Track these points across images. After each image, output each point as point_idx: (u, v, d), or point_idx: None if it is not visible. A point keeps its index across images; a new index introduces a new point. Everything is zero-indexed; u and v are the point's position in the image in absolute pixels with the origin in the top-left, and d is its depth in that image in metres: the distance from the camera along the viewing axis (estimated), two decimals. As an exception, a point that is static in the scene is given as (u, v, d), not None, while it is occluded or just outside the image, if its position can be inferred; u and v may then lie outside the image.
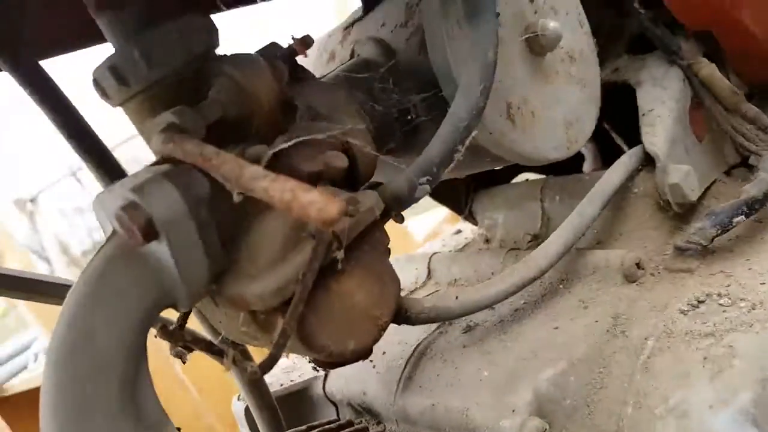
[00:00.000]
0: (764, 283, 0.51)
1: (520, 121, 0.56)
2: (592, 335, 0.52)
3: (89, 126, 0.63)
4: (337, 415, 0.69)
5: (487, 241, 0.82)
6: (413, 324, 0.54)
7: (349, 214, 0.37)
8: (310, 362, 0.54)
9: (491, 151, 0.57)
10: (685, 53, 0.70)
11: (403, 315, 0.53)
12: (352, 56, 0.65)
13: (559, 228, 0.59)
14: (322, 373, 0.70)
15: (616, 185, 0.63)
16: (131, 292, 0.42)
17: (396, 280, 0.50)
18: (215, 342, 0.55)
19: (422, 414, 0.55)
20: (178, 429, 0.44)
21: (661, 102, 0.66)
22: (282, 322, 0.43)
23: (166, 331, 0.50)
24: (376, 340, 0.48)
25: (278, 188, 0.37)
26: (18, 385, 2.05)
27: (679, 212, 0.64)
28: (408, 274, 0.81)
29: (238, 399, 0.70)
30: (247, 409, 0.68)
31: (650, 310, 0.54)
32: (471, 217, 0.87)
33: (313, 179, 0.49)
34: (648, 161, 0.66)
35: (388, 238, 0.50)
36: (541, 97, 0.58)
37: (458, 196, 0.88)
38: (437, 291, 0.75)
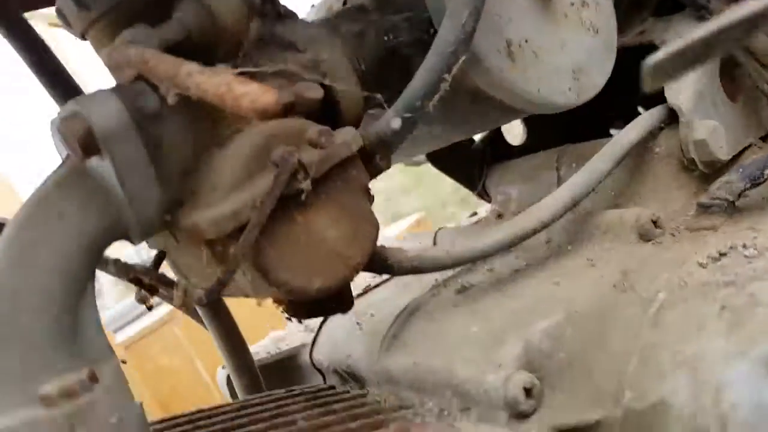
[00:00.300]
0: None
1: (521, 61, 0.51)
2: (595, 289, 0.47)
3: (74, 81, 0.61)
4: (324, 383, 0.64)
5: (500, 216, 0.77)
6: (395, 274, 0.50)
7: (289, 108, 0.33)
8: (282, 311, 0.49)
9: (490, 95, 0.52)
10: (715, 7, 0.64)
11: (383, 262, 0.48)
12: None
13: (565, 182, 0.53)
14: (309, 340, 0.65)
15: (632, 141, 0.57)
16: (74, 215, 0.39)
17: (374, 223, 0.46)
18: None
19: (405, 373, 0.50)
20: (123, 362, 0.40)
21: (687, 55, 0.60)
22: (236, 252, 0.39)
23: (124, 270, 0.47)
24: (346, 280, 0.44)
25: (213, 82, 0.33)
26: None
27: (706, 172, 0.57)
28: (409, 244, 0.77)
29: (223, 368, 0.66)
30: (229, 377, 0.64)
31: (665, 266, 0.47)
32: (485, 193, 0.82)
33: (284, 110, 0.45)
34: (672, 120, 0.60)
35: (367, 178, 0.46)
36: (546, 38, 0.53)
37: (471, 171, 0.83)
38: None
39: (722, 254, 0.45)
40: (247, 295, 0.47)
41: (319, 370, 0.65)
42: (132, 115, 0.39)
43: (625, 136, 0.57)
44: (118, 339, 1.87)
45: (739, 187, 0.51)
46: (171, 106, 0.41)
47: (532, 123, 0.86)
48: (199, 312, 0.59)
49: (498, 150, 0.83)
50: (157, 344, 1.86)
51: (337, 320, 0.65)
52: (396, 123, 0.45)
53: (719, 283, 0.42)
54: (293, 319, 0.66)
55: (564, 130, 0.80)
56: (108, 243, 0.41)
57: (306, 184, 0.41)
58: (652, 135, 0.61)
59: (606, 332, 0.44)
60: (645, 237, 0.52)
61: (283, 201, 0.41)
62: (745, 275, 0.42)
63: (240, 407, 0.54)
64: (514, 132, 0.90)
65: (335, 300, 0.51)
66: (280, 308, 0.50)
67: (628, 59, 0.58)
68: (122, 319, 2.11)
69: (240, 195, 0.40)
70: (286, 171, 0.40)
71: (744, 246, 0.45)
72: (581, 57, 0.55)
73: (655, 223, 0.52)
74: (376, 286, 0.70)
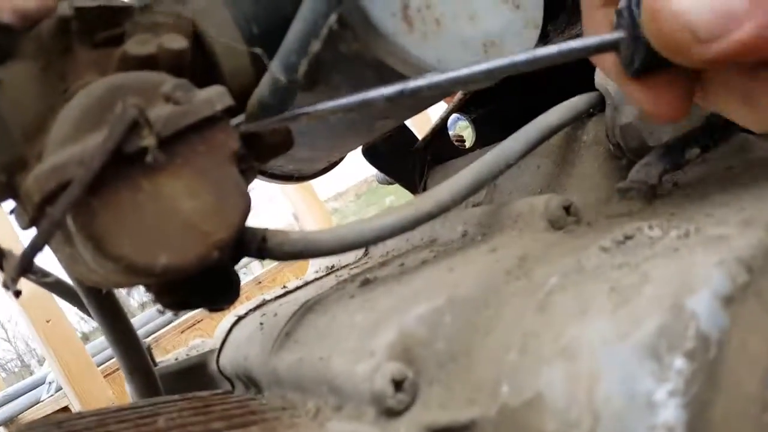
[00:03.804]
0: (711, 215, 0.40)
1: (421, 26, 0.47)
2: (486, 274, 0.42)
3: None
4: (232, 390, 0.59)
5: (435, 215, 0.72)
6: (275, 258, 0.45)
7: (149, 60, 0.28)
8: (152, 301, 0.45)
9: (393, 67, 0.48)
10: None
11: (259, 244, 0.44)
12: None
13: (472, 163, 0.49)
14: (217, 345, 0.60)
15: (551, 124, 0.52)
16: None
17: (243, 196, 0.41)
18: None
19: (289, 370, 0.45)
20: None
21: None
22: (54, 211, 0.35)
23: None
24: (203, 259, 0.39)
25: None
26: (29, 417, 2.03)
27: (635, 160, 0.53)
28: (347, 255, 0.72)
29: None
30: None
31: (568, 252, 0.43)
32: (425, 194, 0.77)
33: (145, 65, 0.41)
34: (603, 107, 0.56)
35: (237, 144, 0.42)
36: (453, 6, 0.49)
37: (412, 173, 0.78)
38: (366, 263, 0.65)
39: (628, 237, 0.41)
40: (101, 283, 0.43)
41: (227, 377, 0.60)
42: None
43: (544, 119, 0.52)
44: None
45: (658, 170, 0.46)
46: (11, 57, 0.37)
47: (480, 123, 0.82)
48: (84, 301, 0.54)
49: (440, 150, 0.79)
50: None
51: (245, 322, 0.60)
52: (268, 82, 0.41)
53: (614, 264, 0.37)
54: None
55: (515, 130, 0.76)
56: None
57: (150, 140, 0.37)
58: (581, 123, 0.57)
59: (491, 320, 0.39)
60: (556, 224, 0.47)
61: (126, 162, 0.37)
62: (642, 255, 0.37)
63: (118, 409, 0.49)
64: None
65: (215, 289, 0.46)
66: (150, 296, 0.45)
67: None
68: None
69: (68, 149, 0.36)
70: (123, 123, 0.36)
71: (650, 227, 0.40)
72: (494, 30, 0.51)
73: (567, 209, 0.47)
74: (297, 288, 0.66)
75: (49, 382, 2.88)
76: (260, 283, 3.32)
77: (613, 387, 0.30)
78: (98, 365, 2.47)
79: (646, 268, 0.35)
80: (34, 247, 0.35)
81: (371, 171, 0.86)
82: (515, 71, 0.36)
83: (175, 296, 0.44)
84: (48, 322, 2.16)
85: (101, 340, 2.97)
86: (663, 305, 0.32)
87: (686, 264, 0.34)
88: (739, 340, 0.30)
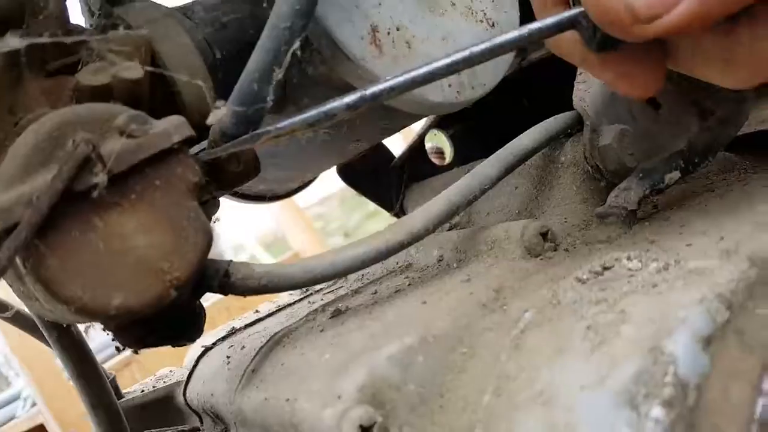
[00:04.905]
0: (691, 245, 0.39)
1: (390, 50, 0.45)
2: (460, 309, 0.40)
3: None
4: (201, 425, 0.57)
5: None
6: (240, 294, 0.43)
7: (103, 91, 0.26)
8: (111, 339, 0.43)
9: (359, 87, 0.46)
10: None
11: (222, 279, 0.42)
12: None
13: (445, 190, 0.47)
14: (184, 378, 0.58)
15: (526, 146, 0.51)
16: None
17: (204, 231, 0.39)
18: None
19: (255, 411, 0.43)
20: None
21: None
22: (1, 255, 0.32)
23: None
24: (160, 299, 0.37)
25: None
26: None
27: (616, 182, 0.51)
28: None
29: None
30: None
31: (544, 282, 0.41)
32: (402, 213, 0.76)
33: (99, 95, 0.39)
34: (581, 127, 0.54)
35: (197, 177, 0.40)
36: (424, 27, 0.47)
37: (389, 192, 0.77)
38: (341, 287, 0.63)
39: (606, 268, 0.39)
40: (58, 319, 0.40)
41: (195, 411, 0.58)
42: None
43: (519, 141, 0.51)
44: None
45: (638, 194, 0.45)
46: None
47: (459, 139, 0.81)
48: (45, 334, 0.52)
49: (417, 169, 0.77)
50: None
51: (212, 354, 0.58)
52: (229, 112, 0.39)
53: (592, 300, 0.36)
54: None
55: (494, 148, 0.75)
56: None
57: (100, 177, 0.35)
58: (558, 143, 0.56)
59: (465, 358, 0.37)
60: (533, 252, 0.45)
61: (78, 200, 0.35)
62: (620, 290, 0.35)
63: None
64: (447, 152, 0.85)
65: (177, 326, 0.44)
66: (109, 334, 0.43)
67: (559, 70, 0.52)
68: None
69: (16, 189, 0.34)
70: (73, 160, 0.34)
71: (629, 258, 0.38)
72: (466, 53, 0.49)
73: (544, 236, 0.46)
74: (268, 315, 0.64)
75: (24, 398, 2.82)
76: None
77: (591, 438, 0.29)
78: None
79: (624, 305, 0.34)
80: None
81: None
82: (476, 62, 0.34)
83: (134, 334, 0.42)
84: (21, 335, 2.11)
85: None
86: (641, 348, 0.30)
87: (665, 302, 0.33)
88: (720, 386, 0.29)
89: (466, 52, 0.34)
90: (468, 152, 0.79)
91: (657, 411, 0.28)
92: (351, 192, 0.82)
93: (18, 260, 0.34)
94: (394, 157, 0.77)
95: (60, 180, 0.34)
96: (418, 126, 0.81)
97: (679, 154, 0.46)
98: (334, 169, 0.75)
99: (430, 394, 0.36)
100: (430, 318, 0.40)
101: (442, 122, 0.78)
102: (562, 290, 0.38)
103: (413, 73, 0.34)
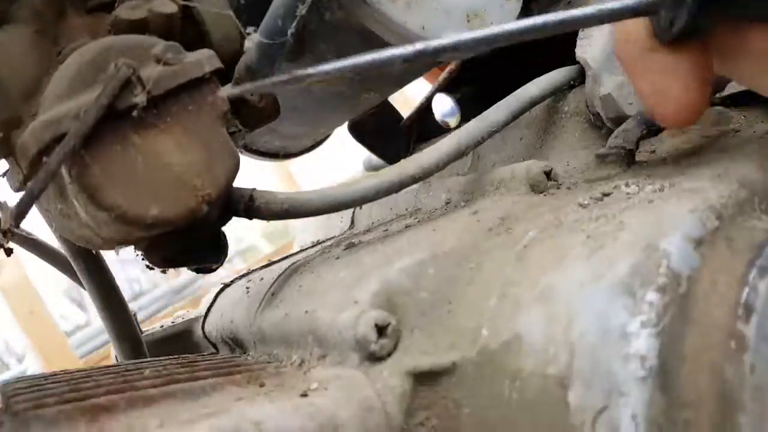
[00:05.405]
0: (685, 173, 0.42)
1: (404, -5, 0.48)
2: (469, 232, 0.43)
3: None
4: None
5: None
6: (263, 218, 0.46)
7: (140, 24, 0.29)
8: (141, 258, 0.46)
9: (379, 35, 0.49)
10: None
11: (247, 203, 0.45)
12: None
13: (453, 132, 0.50)
14: (202, 313, 0.61)
15: (533, 95, 0.54)
16: None
17: (232, 155, 0.42)
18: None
19: (275, 326, 0.46)
20: None
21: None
22: (50, 161, 0.35)
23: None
24: (193, 212, 0.40)
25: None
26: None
27: (615, 129, 0.54)
28: (332, 226, 0.73)
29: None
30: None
31: (548, 210, 0.44)
32: (409, 172, 0.78)
33: (136, 29, 0.42)
34: (583, 79, 0.57)
35: (226, 106, 0.43)
36: (437, -24, 0.50)
37: (397, 151, 0.80)
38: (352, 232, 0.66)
39: (605, 194, 0.42)
40: (90, 240, 0.43)
41: (212, 343, 0.61)
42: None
43: (526, 90, 0.54)
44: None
45: (636, 135, 0.48)
46: (7, 22, 0.38)
47: (465, 103, 0.83)
48: (72, 263, 0.55)
49: (425, 128, 0.80)
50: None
51: (231, 289, 0.61)
52: (255, 45, 0.42)
53: (592, 217, 0.39)
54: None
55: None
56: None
57: (140, 98, 0.38)
58: (562, 95, 0.59)
59: (472, 272, 0.40)
60: (537, 189, 0.48)
61: (118, 119, 0.38)
62: (618, 207, 0.38)
63: (105, 366, 0.50)
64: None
65: (204, 248, 0.47)
66: (139, 255, 0.46)
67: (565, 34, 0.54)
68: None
69: (64, 105, 0.37)
70: (116, 80, 0.37)
71: (627, 185, 0.41)
72: (478, 2, 0.52)
73: (547, 174, 0.49)
74: (282, 259, 0.67)
75: (32, 377, 2.85)
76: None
77: (589, 323, 0.32)
78: (80, 358, 2.46)
79: (622, 218, 0.37)
80: (30, 196, 0.35)
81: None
82: (546, 34, 0.33)
83: (164, 252, 0.45)
84: (31, 312, 2.15)
85: (83, 333, 2.95)
86: (637, 247, 0.33)
87: (660, 212, 0.36)
88: (709, 278, 0.32)
89: (540, 21, 0.32)
90: (474, 116, 0.82)
91: (652, 295, 0.31)
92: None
93: (64, 170, 0.37)
94: (402, 118, 0.80)
95: (105, 96, 0.37)
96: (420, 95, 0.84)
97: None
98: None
99: (439, 301, 0.39)
100: (439, 240, 0.43)
101: (448, 86, 0.81)
102: (564, 214, 0.41)
103: (481, 33, 0.32)
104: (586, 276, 0.34)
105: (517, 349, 0.34)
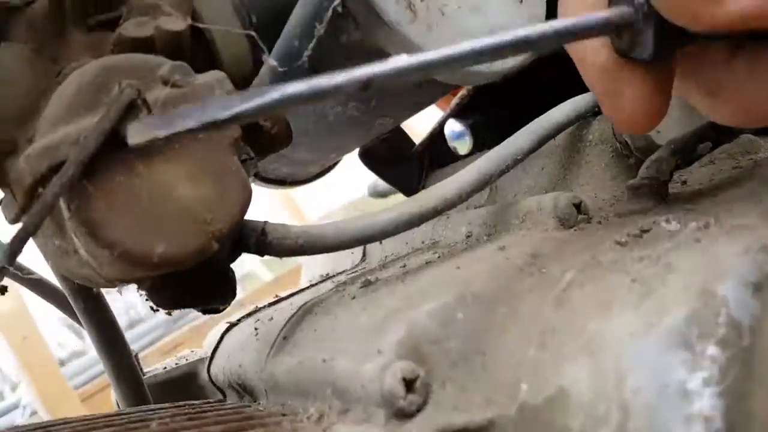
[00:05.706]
0: (729, 210, 0.39)
1: (425, 16, 0.46)
2: (499, 271, 0.40)
3: None
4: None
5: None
6: (277, 254, 0.43)
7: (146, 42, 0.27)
8: (145, 299, 0.42)
9: (392, 54, 0.47)
10: None
11: (259, 238, 0.42)
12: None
13: (474, 161, 0.47)
14: (208, 354, 0.58)
15: (558, 121, 0.51)
16: None
17: (244, 187, 0.39)
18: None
19: (288, 374, 0.43)
20: None
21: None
22: (47, 192, 0.32)
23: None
24: (203, 249, 0.37)
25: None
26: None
27: (644, 159, 0.52)
28: (342, 258, 0.70)
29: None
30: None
31: (582, 248, 0.41)
32: (422, 200, 0.76)
33: (141, 48, 0.39)
34: (608, 106, 0.54)
35: (238, 132, 0.40)
36: (457, -1, 0.48)
37: (410, 178, 0.77)
38: (364, 268, 0.63)
39: (644, 231, 0.39)
40: (91, 278, 0.40)
41: (219, 388, 0.58)
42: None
43: (549, 116, 0.51)
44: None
45: (670, 165, 0.45)
46: (3, 39, 0.35)
47: (477, 130, 0.81)
48: (71, 301, 0.52)
49: (438, 155, 0.78)
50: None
51: (238, 329, 0.58)
52: (268, 68, 0.39)
53: (634, 258, 0.36)
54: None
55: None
56: None
57: (147, 124, 0.35)
58: (586, 122, 0.56)
59: (506, 317, 0.37)
60: (566, 222, 0.45)
61: (121, 146, 0.35)
62: (662, 247, 0.35)
63: (106, 415, 0.47)
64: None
65: (211, 287, 0.44)
66: (143, 295, 0.43)
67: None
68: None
69: (62, 129, 0.34)
70: (119, 103, 0.34)
71: (667, 221, 0.39)
72: (498, 23, 0.49)
73: (577, 207, 0.46)
74: (292, 294, 0.63)
75: (24, 406, 2.79)
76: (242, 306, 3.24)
77: (643, 379, 0.29)
78: (75, 389, 2.41)
79: (669, 260, 0.34)
80: (25, 233, 0.32)
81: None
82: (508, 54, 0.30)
83: (170, 293, 0.41)
84: (24, 339, 2.10)
85: (78, 362, 2.89)
86: (691, 293, 0.30)
87: (710, 254, 0.33)
88: (773, 328, 0.29)
89: (504, 39, 0.29)
90: (487, 143, 0.79)
91: (713, 349, 0.27)
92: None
93: (62, 203, 0.34)
94: (414, 144, 0.78)
95: (107, 121, 0.34)
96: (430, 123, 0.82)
97: (709, 126, 0.46)
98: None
99: (471, 351, 0.36)
100: (466, 280, 0.40)
101: (461, 112, 0.78)
102: (601, 252, 0.38)
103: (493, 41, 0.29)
104: (636, 325, 0.31)
105: (563, 406, 0.31)
